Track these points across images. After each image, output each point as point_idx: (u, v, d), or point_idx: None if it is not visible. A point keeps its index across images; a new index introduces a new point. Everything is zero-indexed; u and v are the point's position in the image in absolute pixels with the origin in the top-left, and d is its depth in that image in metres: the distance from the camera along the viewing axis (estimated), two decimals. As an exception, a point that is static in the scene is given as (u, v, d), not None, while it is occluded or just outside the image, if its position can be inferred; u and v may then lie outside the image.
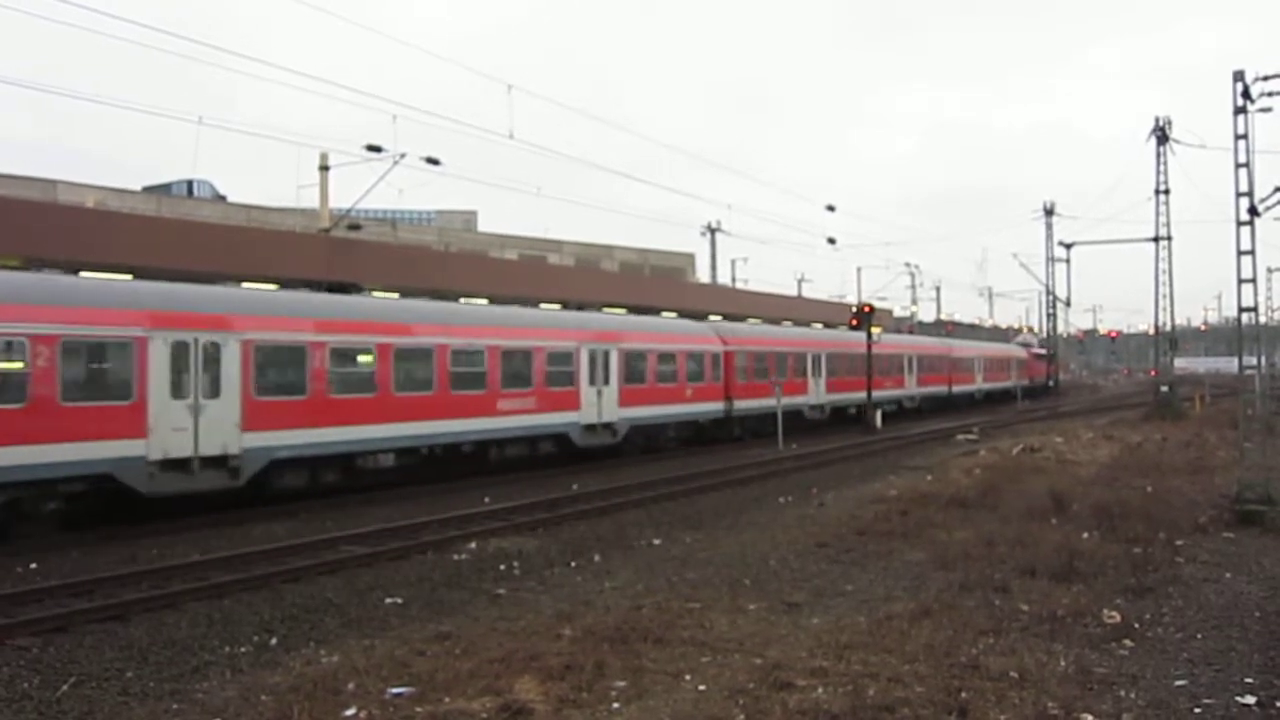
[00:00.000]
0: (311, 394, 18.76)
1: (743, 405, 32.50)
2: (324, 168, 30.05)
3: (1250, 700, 7.59)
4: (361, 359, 19.88)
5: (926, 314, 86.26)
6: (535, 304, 28.50)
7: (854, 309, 42.41)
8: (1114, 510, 15.61)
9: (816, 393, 37.61)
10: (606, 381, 26.27)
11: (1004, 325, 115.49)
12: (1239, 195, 17.47)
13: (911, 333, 61.97)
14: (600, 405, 25.97)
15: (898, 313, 74.69)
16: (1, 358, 14.86)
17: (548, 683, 7.82)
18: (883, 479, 22.60)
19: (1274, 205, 18.39)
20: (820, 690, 7.59)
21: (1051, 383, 71.45)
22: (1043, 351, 78.24)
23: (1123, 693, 7.71)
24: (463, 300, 26.49)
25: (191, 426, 16.71)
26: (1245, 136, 17.51)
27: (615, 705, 7.48)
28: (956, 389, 53.86)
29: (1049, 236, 63.34)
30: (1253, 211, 17.47)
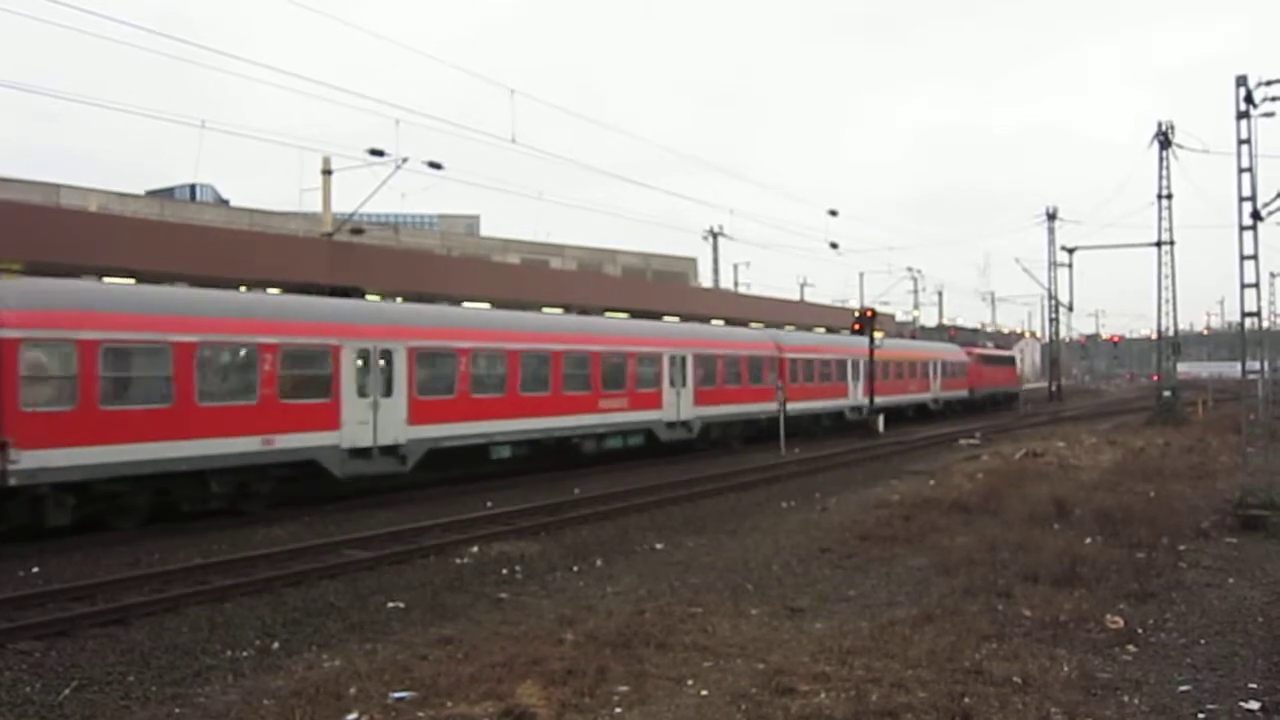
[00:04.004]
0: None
1: (57, 458, 15.06)
2: (327, 172, 30.10)
3: (1254, 706, 7.57)
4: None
5: (929, 319, 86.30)
6: (538, 308, 28.52)
7: (856, 314, 42.48)
8: (1116, 515, 15.60)
9: (372, 424, 19.70)
10: None
11: (1006, 330, 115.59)
12: (1242, 200, 17.47)
13: (914, 338, 59.30)
14: None
15: (900, 317, 74.66)
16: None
17: (550, 687, 7.81)
18: (885, 484, 22.59)
19: (1277, 210, 18.37)
20: (823, 695, 7.58)
21: (1055, 387, 70.88)
22: (1003, 353, 67.94)
23: (1126, 698, 7.70)
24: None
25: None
26: (1248, 141, 17.51)
27: (617, 710, 7.47)
28: (805, 406, 35.62)
29: (1051, 241, 63.33)
30: (1255, 216, 17.47)
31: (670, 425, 28.57)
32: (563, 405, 24.79)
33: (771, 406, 32.92)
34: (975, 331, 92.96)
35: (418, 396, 20.76)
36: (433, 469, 21.82)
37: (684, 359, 29.45)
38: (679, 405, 28.91)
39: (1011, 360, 68.24)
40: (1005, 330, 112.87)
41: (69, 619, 10.66)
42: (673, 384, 28.73)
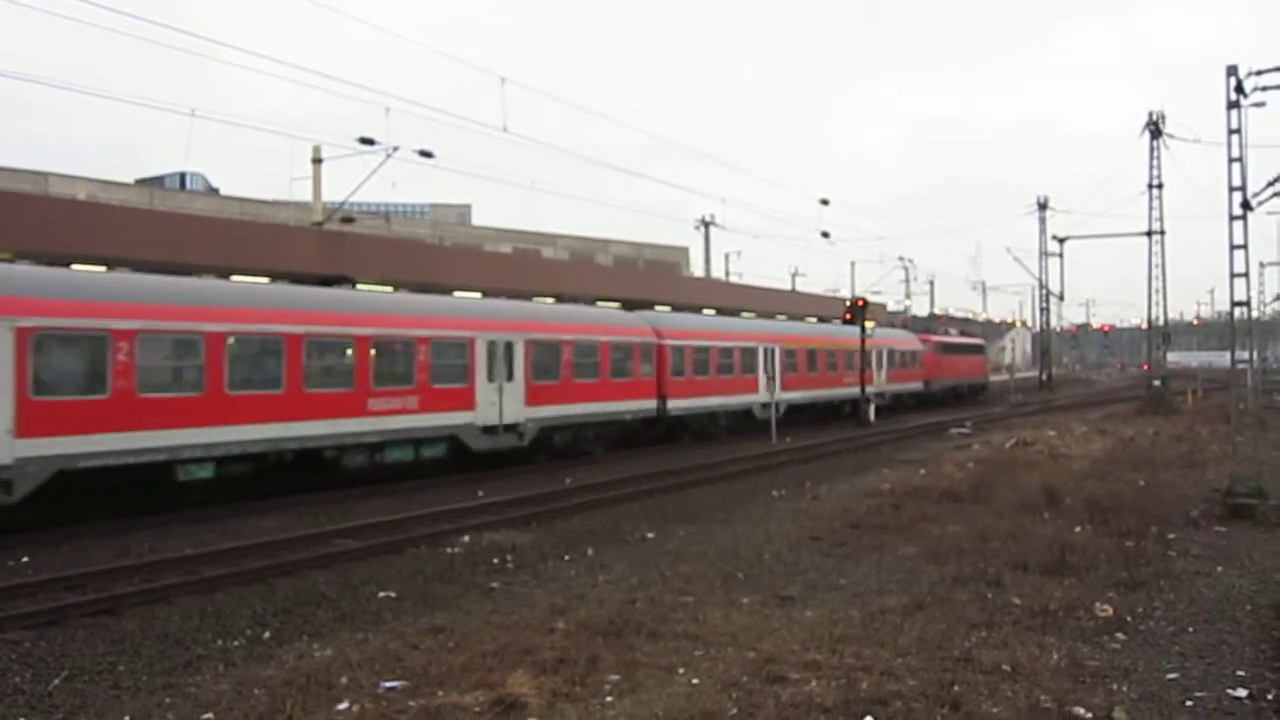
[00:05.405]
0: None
1: None
2: (317, 161, 29.98)
3: (1242, 693, 7.62)
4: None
5: (921, 308, 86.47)
6: (528, 298, 28.47)
7: (848, 303, 42.43)
8: (1106, 504, 15.67)
9: None
10: None
11: (997, 319, 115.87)
12: (1232, 190, 17.47)
13: (906, 328, 58.00)
14: None
15: (892, 307, 74.78)
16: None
17: (541, 676, 7.82)
18: (876, 473, 22.63)
19: (1267, 200, 18.41)
20: (813, 683, 7.60)
21: (1046, 376, 71.18)
22: (968, 341, 60.13)
23: (1115, 686, 7.73)
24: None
25: None
26: (1238, 131, 17.50)
27: (608, 699, 7.48)
28: (693, 404, 30.29)
29: (1042, 231, 63.53)
30: (1245, 206, 17.47)
31: (488, 430, 22.56)
32: (306, 407, 18.68)
33: (645, 405, 27.80)
34: (967, 321, 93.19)
35: (33, 397, 15.03)
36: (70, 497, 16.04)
37: (510, 345, 23.28)
38: (502, 405, 22.84)
39: (979, 348, 61.62)
40: (996, 320, 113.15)
41: (59, 608, 10.64)
42: (492, 378, 22.67)
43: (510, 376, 23.14)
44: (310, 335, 18.91)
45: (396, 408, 20.45)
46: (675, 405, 29.17)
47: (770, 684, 7.59)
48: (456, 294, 25.71)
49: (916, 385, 48.00)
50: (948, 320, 77.65)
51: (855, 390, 39.91)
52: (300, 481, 19.19)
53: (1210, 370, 77.52)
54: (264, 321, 18.32)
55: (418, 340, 21.10)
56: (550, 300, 29.25)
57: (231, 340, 17.65)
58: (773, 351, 34.63)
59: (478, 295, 26.56)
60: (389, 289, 23.51)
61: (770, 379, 33.73)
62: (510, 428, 23.17)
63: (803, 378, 36.36)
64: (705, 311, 37.00)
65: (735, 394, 32.41)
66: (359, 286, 22.40)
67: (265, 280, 21.68)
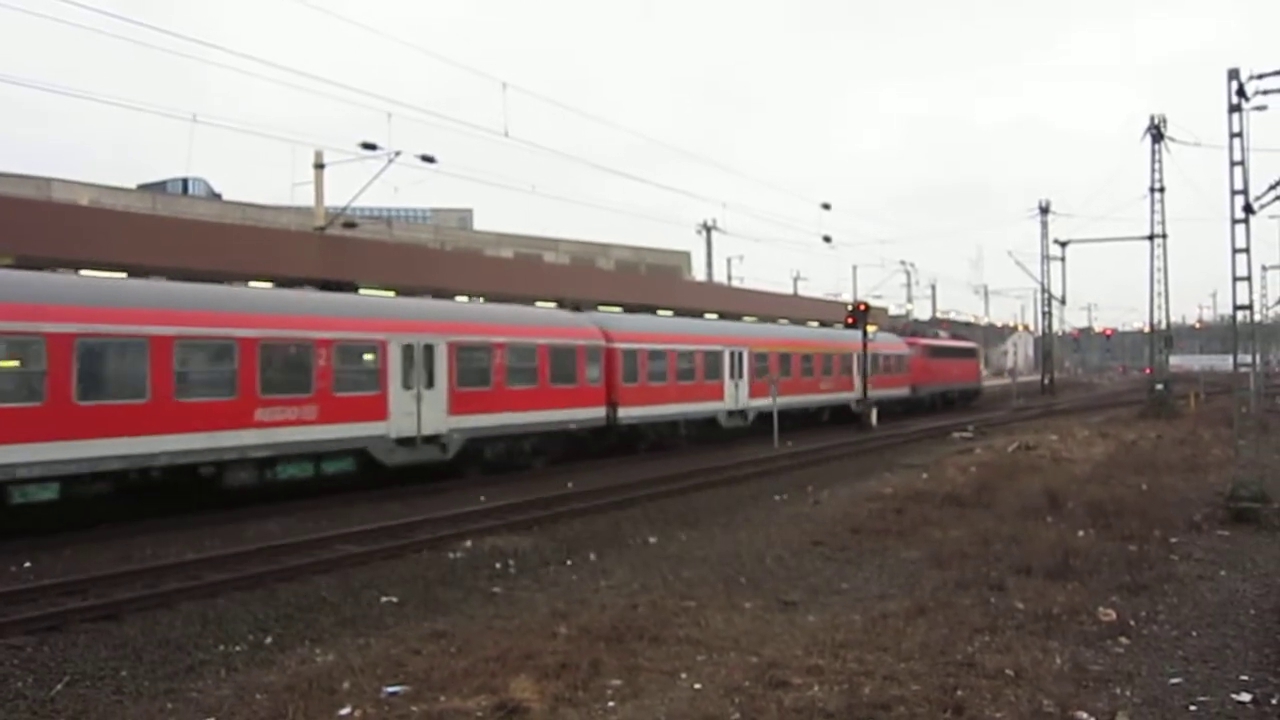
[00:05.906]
0: None
1: None
2: (319, 166, 30.01)
3: (1245, 698, 7.60)
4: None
5: (923, 312, 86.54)
6: (530, 302, 28.48)
7: (850, 307, 42.37)
8: (1109, 508, 15.66)
9: None
10: None
11: (999, 323, 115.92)
12: (1234, 193, 17.46)
13: (905, 332, 53.73)
14: None
15: (894, 311, 74.79)
16: None
17: (543, 681, 7.81)
18: (878, 477, 22.61)
19: (1269, 203, 18.40)
20: (816, 688, 7.59)
21: (1048, 380, 71.10)
22: (959, 344, 57.55)
23: (1118, 690, 7.72)
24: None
25: None
26: (1240, 135, 17.49)
27: (611, 704, 7.47)
28: (650, 411, 28.36)
29: (1044, 234, 63.51)
30: (1247, 209, 17.46)
31: (404, 442, 20.54)
32: (178, 418, 16.54)
33: (592, 413, 25.62)
34: (969, 325, 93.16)
35: None
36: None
37: (430, 348, 21.16)
38: (420, 414, 20.82)
39: (971, 352, 59.13)
40: (998, 324, 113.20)
41: (61, 614, 10.64)
42: (409, 384, 20.64)
43: (431, 383, 21.12)
44: (182, 337, 16.69)
45: (291, 418, 18.21)
46: (627, 414, 27.14)
47: (773, 689, 7.57)
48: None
49: (902, 391, 45.78)
50: (949, 324, 77.43)
51: (836, 396, 38.60)
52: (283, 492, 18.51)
53: (1212, 374, 77.39)
54: (123, 322, 16.06)
55: (317, 343, 18.82)
56: (551, 305, 29.23)
57: (79, 343, 15.40)
58: (740, 355, 32.45)
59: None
60: (390, 293, 23.06)
61: (738, 384, 31.90)
62: (431, 439, 21.11)
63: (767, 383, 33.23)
64: (707, 315, 36.78)
65: (697, 401, 30.28)
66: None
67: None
